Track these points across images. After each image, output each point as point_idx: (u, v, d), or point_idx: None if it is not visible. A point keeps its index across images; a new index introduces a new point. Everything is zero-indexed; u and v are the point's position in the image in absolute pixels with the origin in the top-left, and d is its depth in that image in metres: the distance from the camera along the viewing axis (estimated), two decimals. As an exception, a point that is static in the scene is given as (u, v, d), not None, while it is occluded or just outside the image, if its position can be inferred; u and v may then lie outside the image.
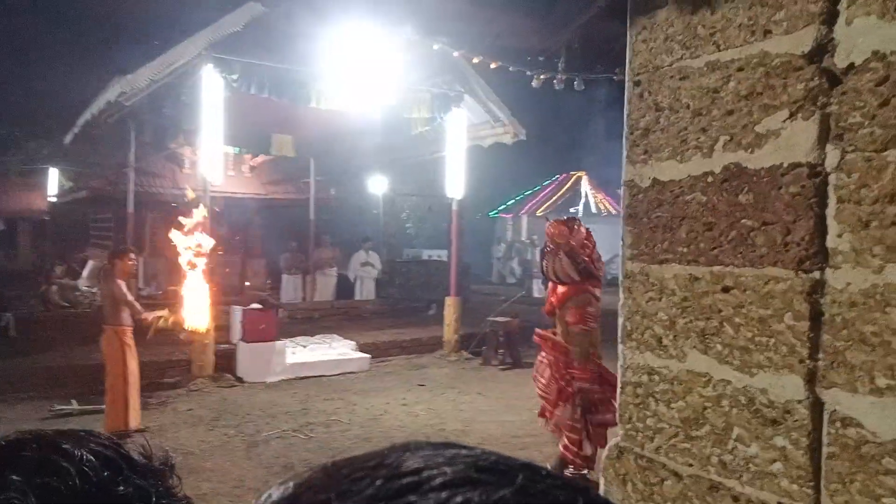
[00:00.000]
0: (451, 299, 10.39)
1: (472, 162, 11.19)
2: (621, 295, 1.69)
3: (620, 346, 1.67)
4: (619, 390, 1.68)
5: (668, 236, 1.57)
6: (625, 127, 1.70)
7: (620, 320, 1.67)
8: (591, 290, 4.74)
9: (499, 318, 9.82)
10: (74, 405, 7.06)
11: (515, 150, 12.39)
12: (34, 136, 17.29)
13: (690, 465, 1.48)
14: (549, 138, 19.19)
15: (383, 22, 8.74)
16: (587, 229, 4.89)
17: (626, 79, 1.70)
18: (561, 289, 4.73)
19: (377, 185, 14.92)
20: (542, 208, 20.77)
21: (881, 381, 1.19)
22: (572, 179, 21.04)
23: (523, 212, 21.23)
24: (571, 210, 20.55)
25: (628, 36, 1.70)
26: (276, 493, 0.41)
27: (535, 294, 12.61)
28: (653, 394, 1.58)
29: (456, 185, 10.61)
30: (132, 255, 6.24)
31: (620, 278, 1.69)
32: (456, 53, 8.29)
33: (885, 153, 1.21)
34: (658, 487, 1.52)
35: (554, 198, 20.82)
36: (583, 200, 20.50)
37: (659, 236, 1.59)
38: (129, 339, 6.12)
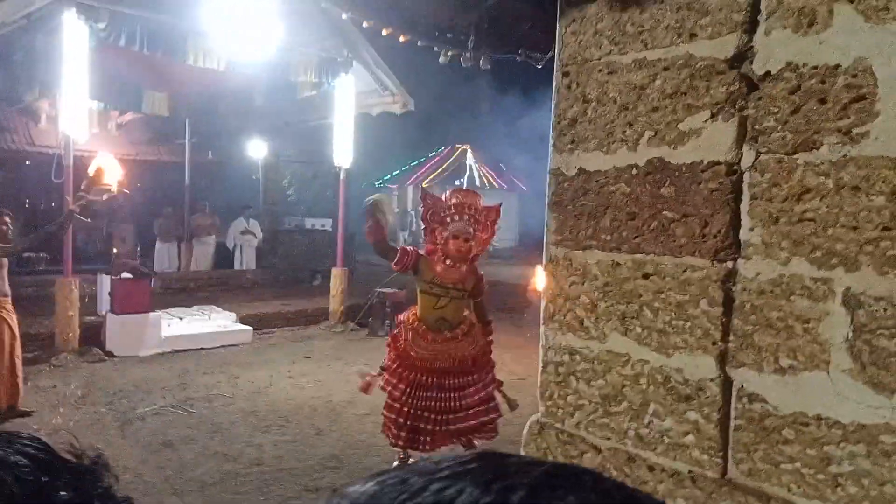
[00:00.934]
0: (338, 270, 10.28)
1: (359, 130, 11.03)
2: (544, 278, 1.76)
3: (542, 328, 1.74)
4: (540, 369, 1.76)
5: (592, 224, 1.65)
6: (552, 116, 1.75)
7: (543, 302, 1.74)
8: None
9: (385, 290, 9.85)
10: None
11: (402, 120, 12.35)
12: None
13: (609, 439, 1.59)
14: (438, 111, 19.25)
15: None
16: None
17: (555, 69, 1.75)
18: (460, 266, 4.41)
19: (258, 150, 14.33)
20: (428, 179, 20.91)
21: (784, 362, 1.33)
22: (457, 152, 21.31)
23: (409, 182, 21.28)
24: (457, 182, 20.86)
25: (558, 27, 1.75)
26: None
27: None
28: (574, 372, 1.67)
29: (343, 153, 10.44)
30: (7, 218, 5.63)
31: (544, 262, 1.76)
32: (344, 15, 8.08)
33: (795, 156, 1.34)
34: (578, 460, 1.62)
35: (439, 170, 21.02)
36: (468, 173, 20.86)
37: (583, 223, 1.66)
38: (8, 309, 5.66)
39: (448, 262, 4.35)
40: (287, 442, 5.51)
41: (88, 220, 5.54)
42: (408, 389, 4.45)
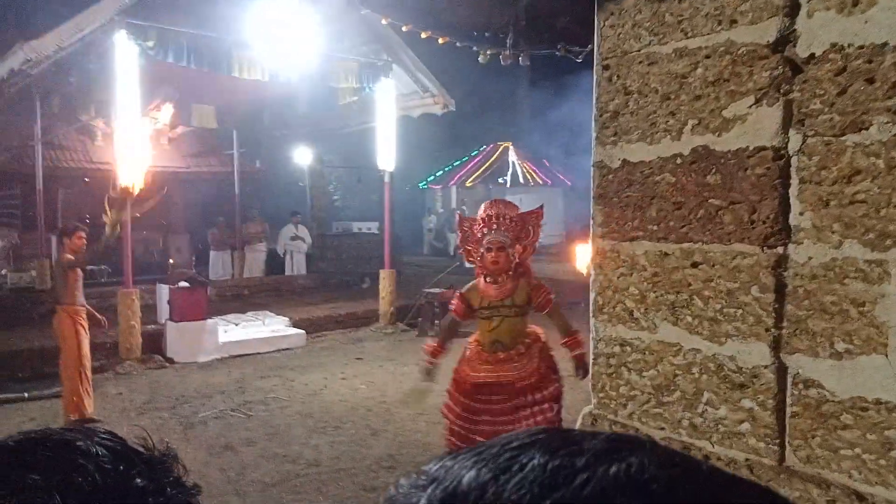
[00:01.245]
0: (386, 272, 10.39)
1: (401, 132, 11.13)
2: (592, 271, 1.77)
3: (592, 320, 1.75)
4: (591, 361, 1.77)
5: (638, 215, 1.65)
6: (594, 109, 1.76)
7: (592, 295, 1.75)
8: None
9: (433, 290, 9.92)
10: (-8, 394, 6.70)
11: (444, 121, 12.41)
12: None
13: (662, 429, 1.59)
14: (477, 109, 19.25)
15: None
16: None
17: (595, 62, 1.76)
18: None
19: (304, 157, 14.61)
20: (471, 179, 20.92)
21: (840, 346, 1.31)
22: (499, 150, 21.25)
23: (452, 182, 21.32)
24: (500, 180, 20.81)
25: (596, 21, 1.76)
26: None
27: (468, 265, 12.77)
28: (625, 363, 1.67)
29: (387, 156, 10.55)
30: (82, 233, 5.85)
31: (591, 255, 1.77)
32: (384, 21, 8.18)
33: (843, 138, 1.32)
34: (632, 451, 1.63)
35: (482, 168, 21.00)
36: (510, 170, 20.78)
37: (629, 215, 1.67)
38: (83, 320, 5.87)
39: (489, 279, 4.12)
40: (343, 442, 5.61)
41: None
42: (462, 414, 4.33)
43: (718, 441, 1.48)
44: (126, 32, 8.13)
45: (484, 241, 4.08)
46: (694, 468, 0.40)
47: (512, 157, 21.04)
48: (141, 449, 0.62)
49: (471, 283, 4.32)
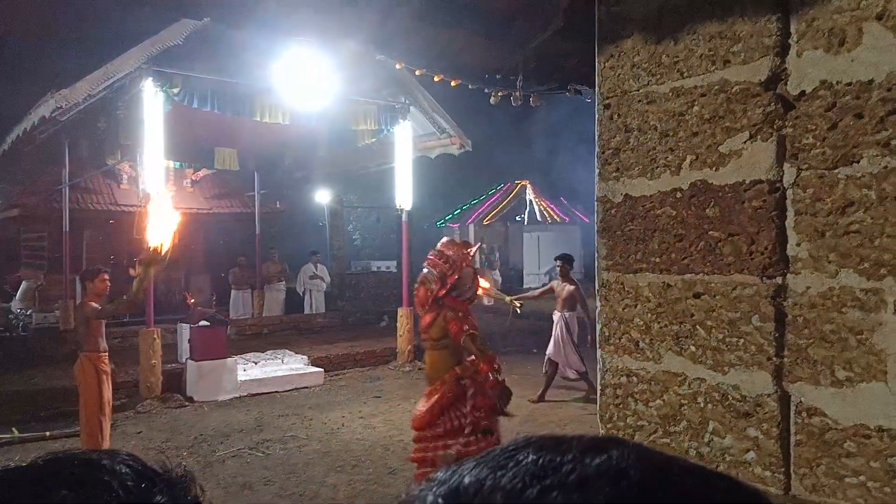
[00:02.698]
0: (404, 310, 10.44)
1: (419, 172, 11.30)
2: (598, 303, 1.80)
3: (599, 351, 1.79)
4: (598, 392, 1.79)
5: (640, 247, 1.70)
6: (596, 146, 1.82)
7: (598, 326, 1.79)
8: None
9: (451, 328, 9.91)
10: (15, 433, 6.77)
11: (461, 160, 12.58)
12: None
13: (670, 459, 1.60)
14: (495, 148, 19.47)
15: (329, 35, 8.76)
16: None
17: (596, 101, 1.82)
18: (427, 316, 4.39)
19: (323, 197, 14.85)
20: (489, 217, 21.04)
21: (840, 374, 1.33)
22: (517, 188, 21.40)
23: (470, 221, 21.46)
24: (517, 218, 20.90)
25: (597, 63, 1.83)
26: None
27: (485, 302, 12.77)
28: (632, 394, 1.70)
29: (404, 195, 10.70)
30: (106, 276, 5.85)
31: (597, 287, 1.81)
32: (398, 65, 8.40)
33: (836, 171, 1.36)
34: (640, 481, 1.64)
35: (499, 206, 21.13)
36: (527, 209, 20.88)
37: (632, 247, 1.71)
38: (105, 365, 5.81)
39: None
40: (361, 481, 5.59)
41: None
42: None
43: (725, 470, 1.49)
44: (153, 80, 8.43)
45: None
46: (670, 461, 0.44)
47: (529, 195, 21.17)
48: (160, 470, 0.67)
49: None
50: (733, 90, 1.53)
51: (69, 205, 11.52)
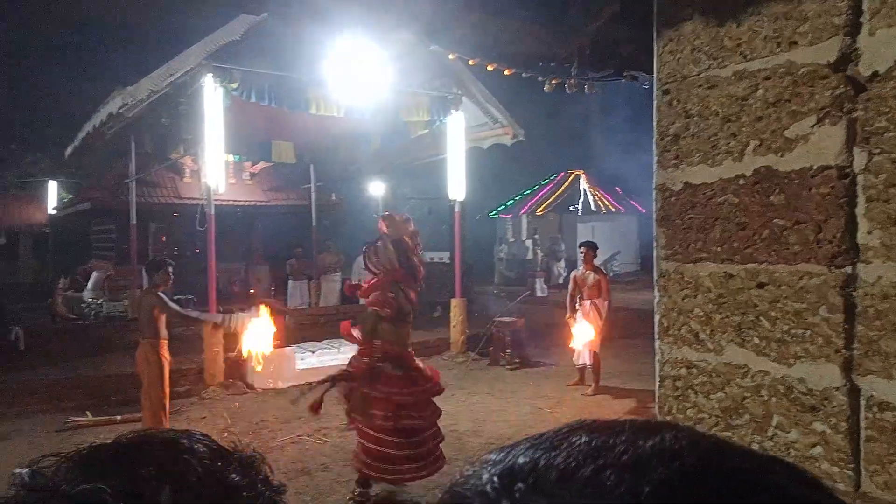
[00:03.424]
0: (457, 301, 10.47)
1: (471, 163, 11.28)
2: (656, 293, 1.77)
3: (657, 342, 1.76)
4: (657, 384, 1.76)
5: (701, 236, 1.66)
6: (654, 134, 1.78)
7: (657, 317, 1.76)
8: (402, 283, 4.75)
9: (504, 319, 9.91)
10: (89, 416, 7.12)
11: (514, 150, 12.50)
12: (31, 149, 17.32)
13: (731, 453, 1.57)
14: (549, 137, 19.28)
15: (381, 27, 8.82)
16: (415, 229, 5.00)
17: (655, 87, 1.79)
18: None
19: (377, 189, 15.00)
20: (542, 207, 20.86)
21: (915, 368, 1.28)
22: (570, 178, 21.13)
23: (523, 211, 21.32)
24: (570, 208, 20.66)
25: (655, 47, 1.79)
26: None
27: (538, 293, 12.71)
28: (692, 386, 1.66)
29: (457, 187, 10.70)
30: (170, 268, 6.06)
31: (655, 277, 1.78)
32: (451, 56, 8.39)
33: (912, 155, 1.30)
34: (700, 475, 1.61)
35: (553, 196, 20.92)
36: (581, 198, 20.61)
37: (692, 236, 1.67)
38: (166, 352, 6.01)
39: None
40: (415, 468, 5.65)
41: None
42: None
43: (789, 465, 1.45)
44: (213, 76, 8.66)
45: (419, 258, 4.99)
46: (723, 443, 0.44)
47: (583, 185, 20.87)
48: (232, 450, 0.70)
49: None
50: (800, 72, 1.47)
51: (135, 198, 11.99)
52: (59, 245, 16.20)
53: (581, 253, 8.29)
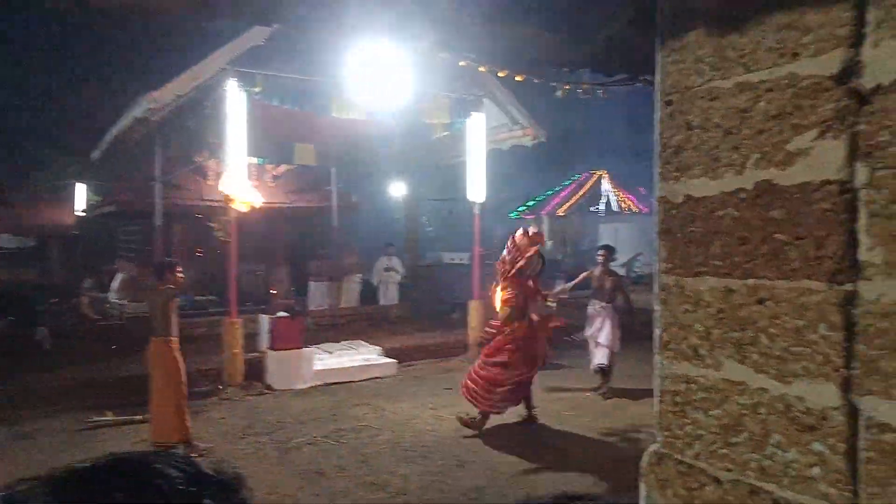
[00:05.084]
0: (475, 302, 10.46)
1: (492, 164, 11.25)
2: (657, 307, 1.75)
3: (657, 357, 1.74)
4: (656, 399, 1.74)
5: (702, 250, 1.63)
6: (656, 145, 1.76)
7: (657, 331, 1.74)
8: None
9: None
10: (110, 416, 7.23)
11: (536, 151, 12.45)
12: (61, 153, 17.67)
13: (730, 471, 1.54)
14: (569, 138, 19.15)
15: (400, 32, 8.82)
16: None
17: (657, 98, 1.77)
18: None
19: (398, 191, 15.04)
20: (564, 208, 20.73)
21: (915, 389, 1.25)
22: (593, 179, 20.97)
23: (545, 212, 21.21)
24: (592, 209, 20.51)
25: (658, 57, 1.77)
26: None
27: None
28: (691, 402, 1.64)
29: (477, 189, 10.69)
30: (179, 268, 6.28)
31: (656, 290, 1.76)
32: (462, 63, 8.36)
33: (914, 170, 1.27)
34: (698, 492, 1.58)
35: (575, 197, 20.78)
36: (604, 199, 20.44)
37: (693, 250, 1.65)
38: (178, 349, 6.19)
39: None
40: (431, 472, 5.66)
41: None
42: None
43: (788, 485, 1.42)
44: (236, 80, 8.76)
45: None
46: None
47: (606, 185, 20.71)
48: (213, 473, 0.71)
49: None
50: (802, 85, 1.44)
51: (161, 201, 12.16)
52: (87, 247, 16.51)
53: (599, 256, 8.36)
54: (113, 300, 12.32)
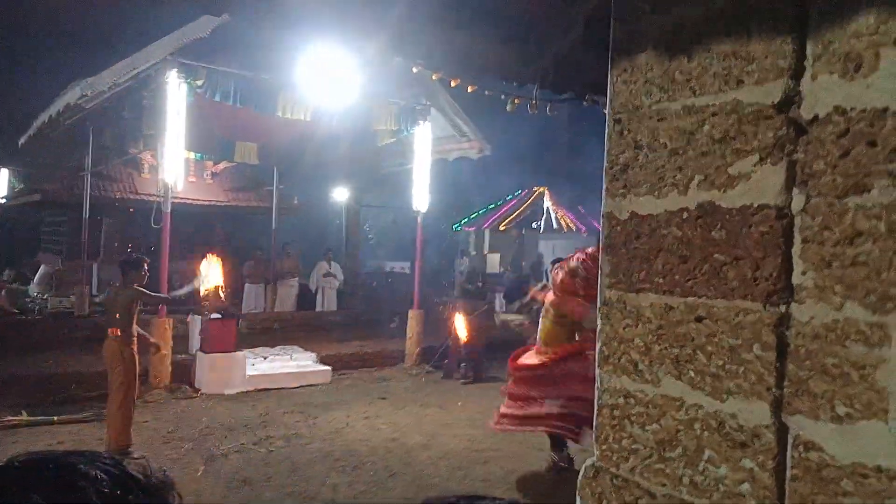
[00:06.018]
0: (414, 312, 10.43)
1: (437, 175, 11.29)
2: (599, 321, 1.77)
3: (598, 370, 1.75)
4: (595, 412, 1.76)
5: (645, 267, 1.66)
6: (605, 162, 1.79)
7: (598, 345, 1.76)
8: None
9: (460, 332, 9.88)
10: (24, 416, 6.85)
11: (480, 164, 12.57)
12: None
13: (664, 485, 1.57)
14: (515, 153, 19.40)
15: (350, 35, 8.76)
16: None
17: (607, 116, 1.80)
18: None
19: (341, 195, 14.88)
20: (505, 223, 20.95)
21: (841, 410, 1.29)
22: (534, 195, 21.27)
23: (486, 225, 21.38)
24: (533, 225, 20.79)
25: (609, 76, 1.80)
26: None
27: (497, 307, 12.73)
28: (628, 416, 1.66)
29: (421, 197, 10.70)
30: (146, 265, 6.15)
31: (598, 305, 1.78)
32: (415, 69, 8.36)
33: (846, 199, 1.32)
34: (633, 506, 1.60)
35: (516, 212, 21.02)
36: (544, 216, 20.75)
37: (636, 266, 1.68)
38: (135, 347, 6.03)
39: None
40: (361, 482, 5.58)
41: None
42: None
43: (718, 501, 1.46)
44: (177, 71, 8.50)
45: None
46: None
47: (547, 202, 21.04)
48: (139, 475, 0.66)
49: None
50: (745, 111, 1.49)
51: (90, 192, 11.66)
52: (6, 236, 15.65)
53: (551, 272, 8.32)
54: (33, 294, 11.71)
